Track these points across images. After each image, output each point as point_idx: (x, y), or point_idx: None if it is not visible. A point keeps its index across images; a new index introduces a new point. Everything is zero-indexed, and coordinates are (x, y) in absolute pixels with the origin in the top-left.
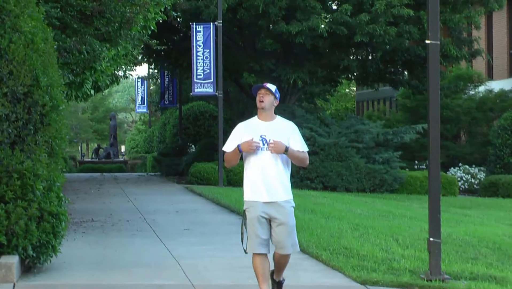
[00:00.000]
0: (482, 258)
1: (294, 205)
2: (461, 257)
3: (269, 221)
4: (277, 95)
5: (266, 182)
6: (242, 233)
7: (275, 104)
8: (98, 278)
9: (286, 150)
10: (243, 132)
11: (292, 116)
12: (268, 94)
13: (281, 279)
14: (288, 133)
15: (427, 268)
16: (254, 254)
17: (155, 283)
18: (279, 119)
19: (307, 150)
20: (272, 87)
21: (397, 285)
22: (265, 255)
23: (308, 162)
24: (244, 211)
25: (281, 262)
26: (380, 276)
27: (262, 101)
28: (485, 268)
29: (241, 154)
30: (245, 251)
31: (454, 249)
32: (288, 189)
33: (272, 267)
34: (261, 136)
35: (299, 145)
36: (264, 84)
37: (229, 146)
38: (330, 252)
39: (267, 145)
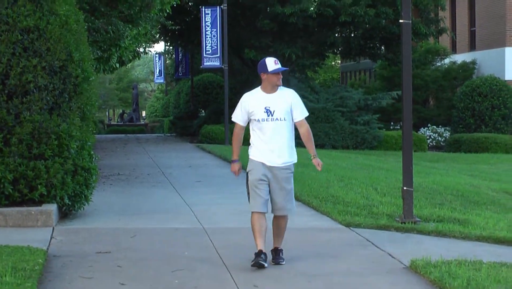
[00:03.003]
0: (448, 204)
1: (293, 170)
2: (430, 203)
3: (269, 183)
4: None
5: (272, 149)
6: (248, 193)
7: None
8: (124, 223)
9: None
10: (249, 103)
11: (286, 84)
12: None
13: (280, 247)
14: (289, 102)
15: (401, 212)
16: (253, 212)
17: (172, 226)
18: (280, 89)
19: (307, 114)
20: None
21: (376, 227)
22: (264, 214)
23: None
24: (247, 172)
25: (279, 225)
26: (362, 219)
27: (279, 81)
28: (450, 212)
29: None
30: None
31: (424, 196)
32: (292, 154)
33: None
34: (265, 108)
35: (299, 112)
36: (285, 68)
37: (237, 116)
38: (319, 199)
39: (271, 116)
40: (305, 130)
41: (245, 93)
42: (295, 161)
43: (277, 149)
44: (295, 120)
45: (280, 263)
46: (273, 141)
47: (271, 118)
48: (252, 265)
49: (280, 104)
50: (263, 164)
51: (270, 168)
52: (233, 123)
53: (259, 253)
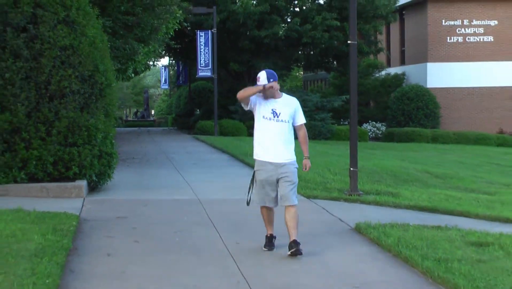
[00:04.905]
0: (384, 181)
1: (297, 166)
2: (370, 180)
3: (277, 180)
4: (276, 78)
5: (275, 146)
6: (249, 188)
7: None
8: (137, 195)
9: (307, 158)
10: (260, 100)
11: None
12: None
13: (297, 239)
14: (294, 107)
15: (349, 187)
16: (261, 206)
17: (174, 198)
18: (285, 96)
19: (305, 121)
20: (274, 77)
21: (329, 198)
22: (272, 209)
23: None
24: (254, 171)
25: (292, 216)
26: (319, 193)
27: (271, 92)
28: (385, 187)
29: (254, 107)
30: (247, 202)
31: (366, 175)
32: (292, 152)
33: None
34: (272, 109)
35: (300, 118)
36: (272, 80)
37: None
38: None
39: (276, 117)
40: (303, 134)
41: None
42: (295, 158)
43: (281, 146)
44: (295, 124)
45: (301, 252)
46: (278, 139)
47: (277, 119)
48: (265, 248)
49: (285, 108)
50: (269, 162)
51: (276, 165)
52: (221, 118)
53: (270, 237)
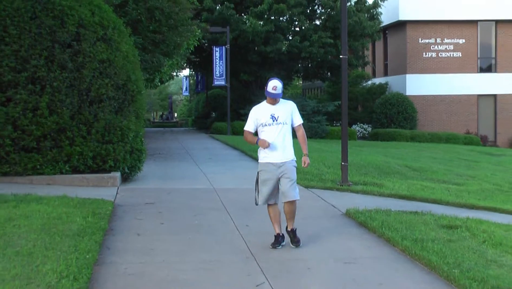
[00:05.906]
0: (370, 173)
1: (296, 165)
2: (358, 173)
3: (278, 178)
4: (282, 84)
5: (276, 148)
6: (256, 190)
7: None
8: (162, 184)
9: (306, 155)
10: (257, 113)
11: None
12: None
13: (294, 227)
14: (290, 110)
15: (340, 179)
16: (267, 204)
17: (193, 187)
18: (281, 101)
19: (302, 121)
20: (279, 90)
21: (324, 188)
22: (275, 204)
23: (305, 134)
24: (258, 172)
25: (291, 210)
26: (315, 183)
27: (274, 102)
28: (371, 179)
29: (255, 132)
30: (256, 203)
31: (355, 168)
32: (291, 151)
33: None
34: (271, 115)
35: (297, 119)
36: (276, 94)
37: (249, 125)
38: None
39: (275, 121)
40: (301, 134)
41: (247, 103)
42: (295, 158)
43: (281, 147)
44: (294, 125)
45: (298, 245)
46: (278, 141)
47: (276, 122)
48: (272, 246)
49: (283, 111)
50: (271, 163)
51: (277, 165)
52: (233, 120)
53: (277, 236)
